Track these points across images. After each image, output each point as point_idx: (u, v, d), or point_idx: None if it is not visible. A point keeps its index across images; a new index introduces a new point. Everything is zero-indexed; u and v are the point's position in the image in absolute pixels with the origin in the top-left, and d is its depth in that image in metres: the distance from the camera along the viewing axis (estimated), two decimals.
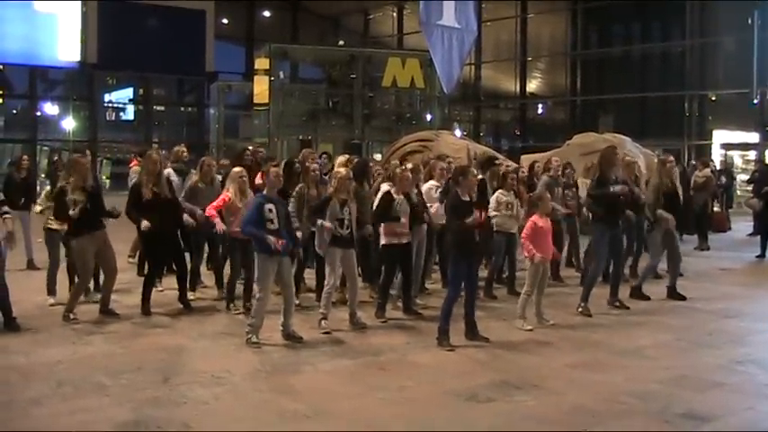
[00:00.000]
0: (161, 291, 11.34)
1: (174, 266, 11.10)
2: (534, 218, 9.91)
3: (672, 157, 12.56)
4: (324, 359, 8.34)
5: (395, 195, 10.27)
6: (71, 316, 9.91)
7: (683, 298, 11.64)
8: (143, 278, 10.96)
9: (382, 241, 10.41)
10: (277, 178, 9.23)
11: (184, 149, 13.13)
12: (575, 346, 9.02)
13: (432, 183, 11.84)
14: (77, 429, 6.18)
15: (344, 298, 10.35)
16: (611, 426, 6.42)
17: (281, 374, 7.81)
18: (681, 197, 12.57)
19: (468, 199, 8.95)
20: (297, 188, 10.61)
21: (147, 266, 11.20)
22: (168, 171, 11.68)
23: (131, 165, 15.50)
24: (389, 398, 7.06)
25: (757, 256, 16.68)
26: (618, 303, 11.01)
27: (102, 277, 10.52)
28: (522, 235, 9.97)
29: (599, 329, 9.79)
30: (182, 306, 10.67)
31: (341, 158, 13.05)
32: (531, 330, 9.56)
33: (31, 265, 13.99)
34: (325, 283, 9.77)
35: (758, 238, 17.12)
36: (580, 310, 10.59)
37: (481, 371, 7.93)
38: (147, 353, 8.52)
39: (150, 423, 6.33)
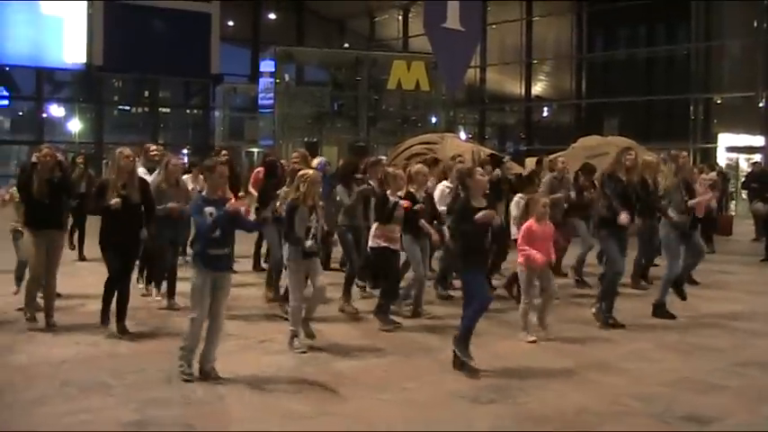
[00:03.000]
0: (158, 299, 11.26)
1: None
2: (530, 222, 9.55)
3: (684, 153, 11.90)
4: (326, 361, 8.35)
5: (390, 197, 10.08)
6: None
7: (684, 298, 11.18)
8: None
9: (373, 243, 10.15)
10: (222, 178, 7.89)
11: (154, 148, 12.56)
12: (576, 348, 9.03)
13: (445, 183, 11.68)
14: (81, 429, 6.20)
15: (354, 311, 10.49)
16: (613, 427, 6.44)
17: (285, 376, 7.83)
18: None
19: (478, 205, 8.08)
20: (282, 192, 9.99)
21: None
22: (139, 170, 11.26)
23: None
24: (391, 399, 7.08)
25: (762, 260, 16.70)
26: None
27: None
28: (519, 241, 9.61)
29: (601, 332, 9.79)
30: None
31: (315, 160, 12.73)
32: (534, 342, 9.20)
33: None
34: (291, 299, 8.93)
35: (762, 242, 17.17)
36: (610, 321, 10.15)
37: (483, 373, 7.94)
38: (152, 354, 8.54)
39: (154, 423, 6.35)
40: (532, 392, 7.26)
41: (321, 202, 9.30)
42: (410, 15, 46.27)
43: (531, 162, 17.55)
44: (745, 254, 17.46)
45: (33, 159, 9.86)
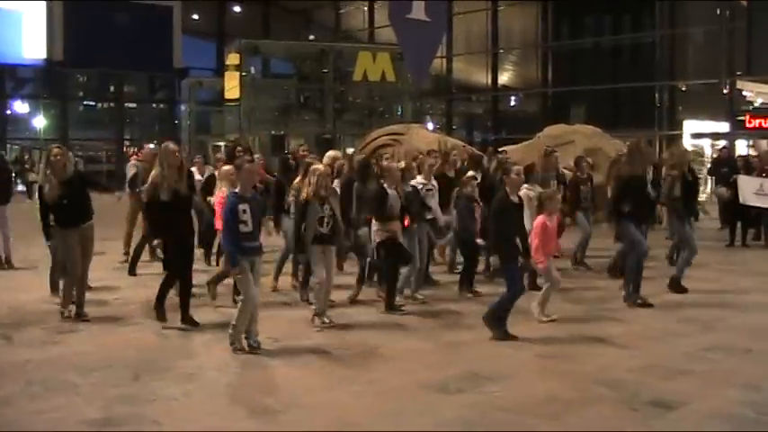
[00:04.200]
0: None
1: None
2: (543, 217, 9.70)
3: (686, 146, 12.50)
4: (295, 354, 8.33)
5: (388, 190, 10.29)
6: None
7: (686, 290, 11.57)
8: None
9: (377, 238, 10.36)
10: (251, 175, 8.65)
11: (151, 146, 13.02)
12: (545, 336, 9.05)
13: (419, 179, 11.74)
14: (47, 428, 6.15)
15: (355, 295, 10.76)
16: (581, 414, 6.46)
17: (253, 369, 7.81)
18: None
19: (516, 200, 9.05)
20: (295, 182, 10.50)
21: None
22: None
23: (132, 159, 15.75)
24: (360, 391, 7.07)
25: (727, 245, 16.87)
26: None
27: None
28: (533, 237, 9.64)
29: (570, 320, 9.82)
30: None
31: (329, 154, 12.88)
32: (554, 320, 9.61)
33: (8, 263, 13.86)
34: (314, 280, 9.75)
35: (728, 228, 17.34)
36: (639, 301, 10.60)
37: (452, 362, 7.95)
38: (118, 350, 8.46)
39: (120, 421, 6.29)
40: (501, 381, 7.28)
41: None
42: (376, 6, 46.20)
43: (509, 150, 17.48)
44: (710, 239, 17.58)
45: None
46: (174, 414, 6.49)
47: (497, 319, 8.82)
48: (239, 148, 13.24)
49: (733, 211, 17.32)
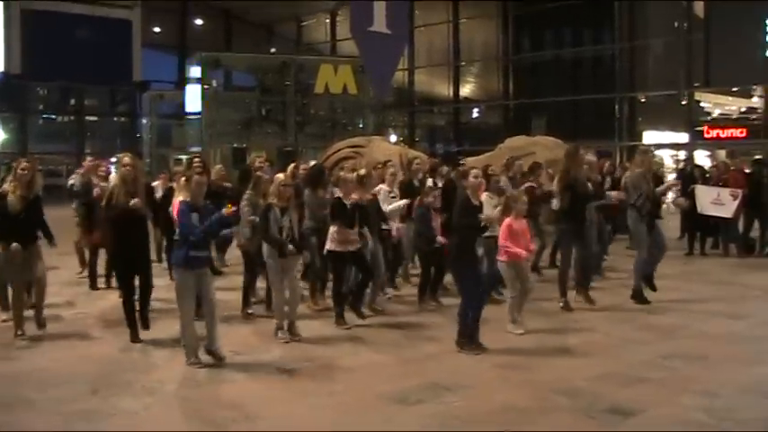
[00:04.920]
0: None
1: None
2: (508, 219, 9.69)
3: (651, 148, 12.61)
4: (255, 366, 8.30)
5: (345, 200, 10.19)
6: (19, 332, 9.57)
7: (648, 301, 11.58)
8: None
9: (329, 247, 10.24)
10: (200, 186, 8.45)
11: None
12: (504, 346, 9.07)
13: (383, 187, 11.78)
14: None
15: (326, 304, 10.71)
16: (539, 423, 6.50)
17: (212, 383, 7.77)
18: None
19: (477, 203, 9.03)
20: (247, 194, 10.46)
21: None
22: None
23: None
24: (319, 403, 7.06)
25: (686, 254, 17.05)
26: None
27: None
28: (500, 238, 9.72)
29: (530, 330, 9.84)
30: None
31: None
32: (522, 334, 9.52)
33: None
34: (273, 296, 9.74)
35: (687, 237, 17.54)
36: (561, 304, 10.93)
37: (411, 373, 7.96)
38: (77, 365, 8.38)
39: None
40: (460, 392, 7.30)
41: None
42: (338, 19, 46.32)
43: (472, 163, 17.50)
44: (670, 249, 17.72)
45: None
46: (133, 429, 6.45)
47: (469, 337, 8.80)
48: (197, 161, 13.17)
49: (692, 221, 17.50)
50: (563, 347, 9.03)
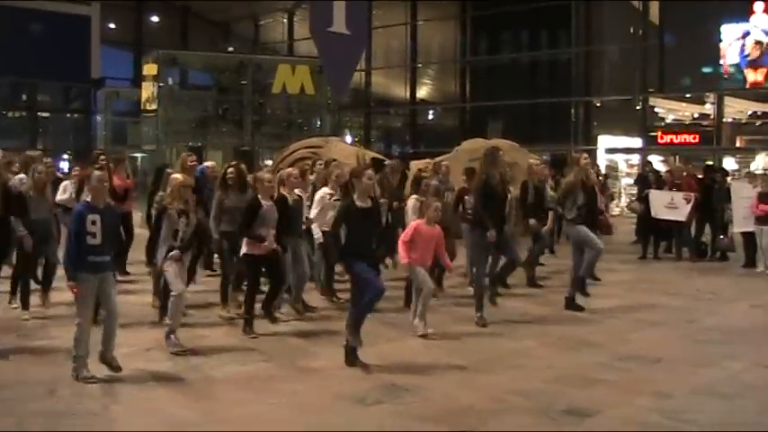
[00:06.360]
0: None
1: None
2: (417, 222, 9.65)
3: (586, 154, 12.23)
4: (214, 367, 8.25)
5: (262, 201, 9.86)
6: None
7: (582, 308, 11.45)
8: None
9: (243, 250, 9.93)
10: (101, 184, 7.83)
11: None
12: (462, 348, 9.15)
13: (326, 189, 11.62)
14: None
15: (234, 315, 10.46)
16: (497, 424, 6.56)
17: (172, 383, 7.72)
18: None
19: (364, 205, 8.37)
20: (158, 196, 10.29)
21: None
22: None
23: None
24: (280, 403, 7.06)
25: (639, 258, 17.29)
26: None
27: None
28: (403, 235, 9.70)
29: (486, 332, 9.94)
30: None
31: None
32: (424, 336, 9.44)
33: None
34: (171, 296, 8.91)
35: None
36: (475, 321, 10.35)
37: (370, 374, 7.98)
38: (33, 365, 8.26)
39: None
40: (418, 392, 7.33)
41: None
42: (295, 19, 46.21)
43: (415, 165, 17.60)
44: (624, 252, 17.99)
45: None
46: (91, 429, 6.39)
47: (354, 328, 8.31)
48: (102, 157, 12.91)
49: (646, 225, 17.73)
50: (519, 349, 9.13)
